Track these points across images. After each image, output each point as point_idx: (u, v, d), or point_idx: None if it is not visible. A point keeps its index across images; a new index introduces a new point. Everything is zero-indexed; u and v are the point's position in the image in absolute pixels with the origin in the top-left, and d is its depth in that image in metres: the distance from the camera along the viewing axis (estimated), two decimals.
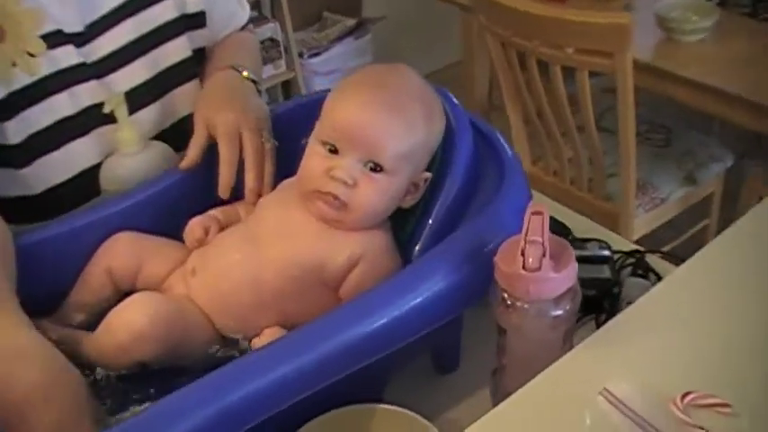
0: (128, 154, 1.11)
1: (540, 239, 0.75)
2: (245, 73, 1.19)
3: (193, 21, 1.26)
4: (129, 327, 0.88)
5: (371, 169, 0.91)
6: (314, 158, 0.94)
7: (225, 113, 1.06)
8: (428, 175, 0.96)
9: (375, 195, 0.92)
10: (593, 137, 2.07)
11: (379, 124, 0.91)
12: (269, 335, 0.91)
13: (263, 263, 0.94)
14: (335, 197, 0.91)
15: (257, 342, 0.90)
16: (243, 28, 1.40)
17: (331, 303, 0.92)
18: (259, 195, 1.03)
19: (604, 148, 2.12)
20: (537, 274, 0.75)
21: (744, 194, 2.35)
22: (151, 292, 0.98)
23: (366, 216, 0.93)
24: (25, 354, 0.80)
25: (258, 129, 1.06)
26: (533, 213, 0.76)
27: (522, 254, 0.76)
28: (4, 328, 0.81)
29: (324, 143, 0.93)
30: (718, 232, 2.40)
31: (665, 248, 1.21)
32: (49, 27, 1.09)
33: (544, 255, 0.75)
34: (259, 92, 1.20)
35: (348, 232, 0.94)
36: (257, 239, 0.96)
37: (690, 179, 2.29)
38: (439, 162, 0.98)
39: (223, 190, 1.02)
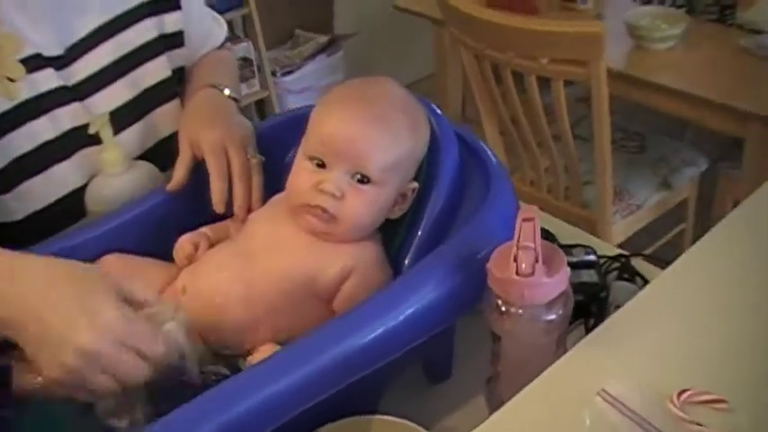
0: (113, 174, 1.11)
1: (533, 245, 0.76)
2: (226, 91, 1.20)
3: (172, 40, 1.26)
4: None
5: (359, 181, 0.92)
6: (301, 173, 0.94)
7: (209, 131, 1.06)
8: (415, 185, 0.97)
9: (363, 207, 0.93)
10: (570, 146, 2.09)
11: (365, 136, 0.92)
12: (263, 352, 0.90)
13: (254, 278, 0.94)
14: (324, 210, 0.92)
15: (252, 360, 0.90)
16: (221, 46, 1.40)
17: (324, 316, 0.92)
18: (248, 210, 1.03)
19: (579, 156, 2.14)
20: (530, 279, 0.76)
21: (718, 198, 2.38)
22: None
23: (355, 227, 0.94)
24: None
25: (243, 145, 1.06)
26: (524, 220, 0.77)
27: (515, 260, 0.77)
28: None
29: (311, 158, 0.94)
30: (695, 236, 2.43)
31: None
32: (28, 51, 1.08)
33: (537, 260, 0.76)
34: (240, 110, 1.20)
35: (338, 245, 0.94)
36: (248, 255, 0.96)
37: (665, 184, 2.32)
38: (425, 173, 0.98)
39: (217, 204, 1.02)
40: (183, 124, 1.12)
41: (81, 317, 0.78)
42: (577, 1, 2.50)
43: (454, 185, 0.97)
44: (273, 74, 3.40)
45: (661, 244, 2.46)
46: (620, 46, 2.24)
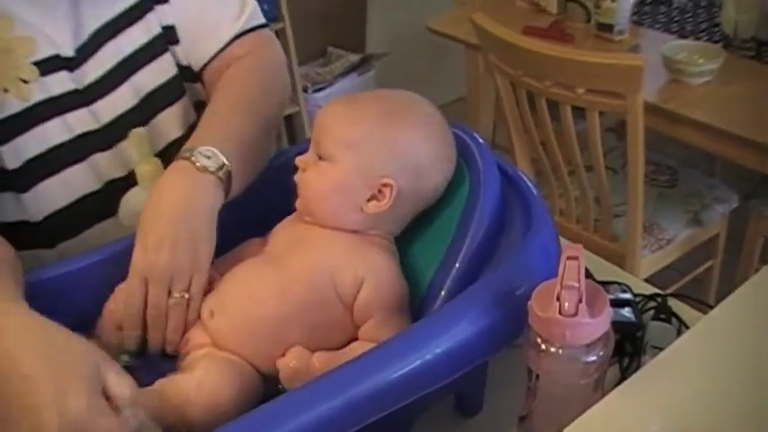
0: (148, 188, 1.10)
1: (577, 284, 0.74)
2: (198, 163, 0.99)
3: (168, 36, 1.21)
4: (210, 407, 0.85)
5: (319, 158, 0.96)
6: None
7: (140, 252, 0.95)
8: (389, 180, 0.94)
9: (317, 179, 0.96)
10: (602, 177, 2.07)
11: (326, 115, 0.97)
12: (294, 353, 0.89)
13: (282, 277, 0.94)
14: (295, 184, 0.98)
15: (281, 362, 0.89)
16: (251, 30, 1.25)
17: (350, 324, 0.94)
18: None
19: (609, 188, 2.13)
20: (573, 319, 0.74)
21: (748, 236, 2.36)
22: (222, 364, 0.91)
23: (314, 200, 0.97)
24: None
25: (164, 280, 0.94)
26: (569, 258, 0.76)
27: (558, 298, 0.75)
28: None
29: None
30: (722, 273, 2.39)
31: (669, 290, 1.20)
32: (46, 52, 1.08)
33: (580, 300, 0.75)
34: (227, 176, 1.01)
35: (351, 247, 0.95)
36: (272, 260, 0.97)
37: (695, 220, 2.29)
38: (465, 204, 0.97)
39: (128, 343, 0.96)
40: (142, 217, 0.98)
41: (48, 401, 0.73)
42: (613, 32, 2.49)
43: (495, 218, 0.95)
44: (305, 90, 3.41)
45: (688, 280, 2.44)
46: (655, 79, 2.22)
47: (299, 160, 0.98)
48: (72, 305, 0.95)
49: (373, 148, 0.95)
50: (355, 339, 0.93)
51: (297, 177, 0.98)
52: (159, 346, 0.96)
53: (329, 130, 0.96)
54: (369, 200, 0.95)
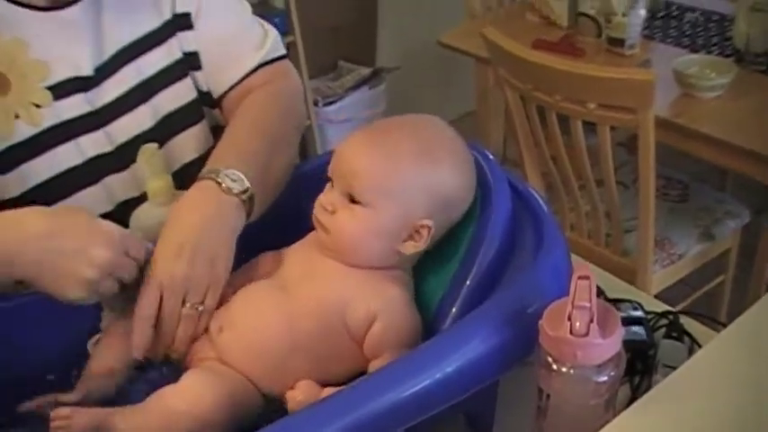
0: (158, 204, 1.10)
1: (588, 304, 0.74)
2: (224, 184, 1.01)
3: (191, 61, 1.22)
4: (193, 413, 0.85)
5: (351, 201, 0.93)
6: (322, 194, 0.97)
7: (161, 259, 0.95)
8: (427, 222, 0.94)
9: (352, 225, 0.93)
10: (613, 192, 2.06)
11: (356, 156, 0.93)
12: (303, 387, 0.89)
13: (291, 305, 0.93)
14: (320, 223, 0.95)
15: (290, 395, 0.89)
16: (274, 62, 1.27)
17: (358, 357, 0.93)
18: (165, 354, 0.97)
19: (620, 203, 2.12)
20: (584, 339, 0.74)
21: (760, 251, 2.34)
22: (207, 372, 0.92)
23: (348, 244, 0.94)
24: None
25: (180, 290, 0.95)
26: (580, 278, 0.75)
27: (569, 318, 0.75)
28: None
29: (329, 178, 0.96)
30: (734, 288, 2.37)
31: (680, 306, 1.19)
32: (63, 74, 1.08)
33: (591, 320, 0.74)
34: (250, 199, 1.02)
35: (366, 282, 0.94)
36: (284, 286, 0.96)
37: (707, 235, 2.28)
38: (476, 222, 0.97)
39: (134, 347, 0.94)
40: (164, 228, 0.99)
41: (92, 236, 0.89)
42: (624, 46, 2.48)
43: (506, 236, 0.95)
44: (315, 103, 3.41)
45: (699, 295, 2.42)
46: (666, 93, 2.20)
47: (326, 202, 0.94)
48: (86, 313, 0.98)
49: (412, 194, 0.93)
50: (362, 371, 0.92)
51: (323, 218, 0.95)
52: (163, 353, 0.96)
53: (362, 174, 0.92)
54: (405, 240, 0.95)
